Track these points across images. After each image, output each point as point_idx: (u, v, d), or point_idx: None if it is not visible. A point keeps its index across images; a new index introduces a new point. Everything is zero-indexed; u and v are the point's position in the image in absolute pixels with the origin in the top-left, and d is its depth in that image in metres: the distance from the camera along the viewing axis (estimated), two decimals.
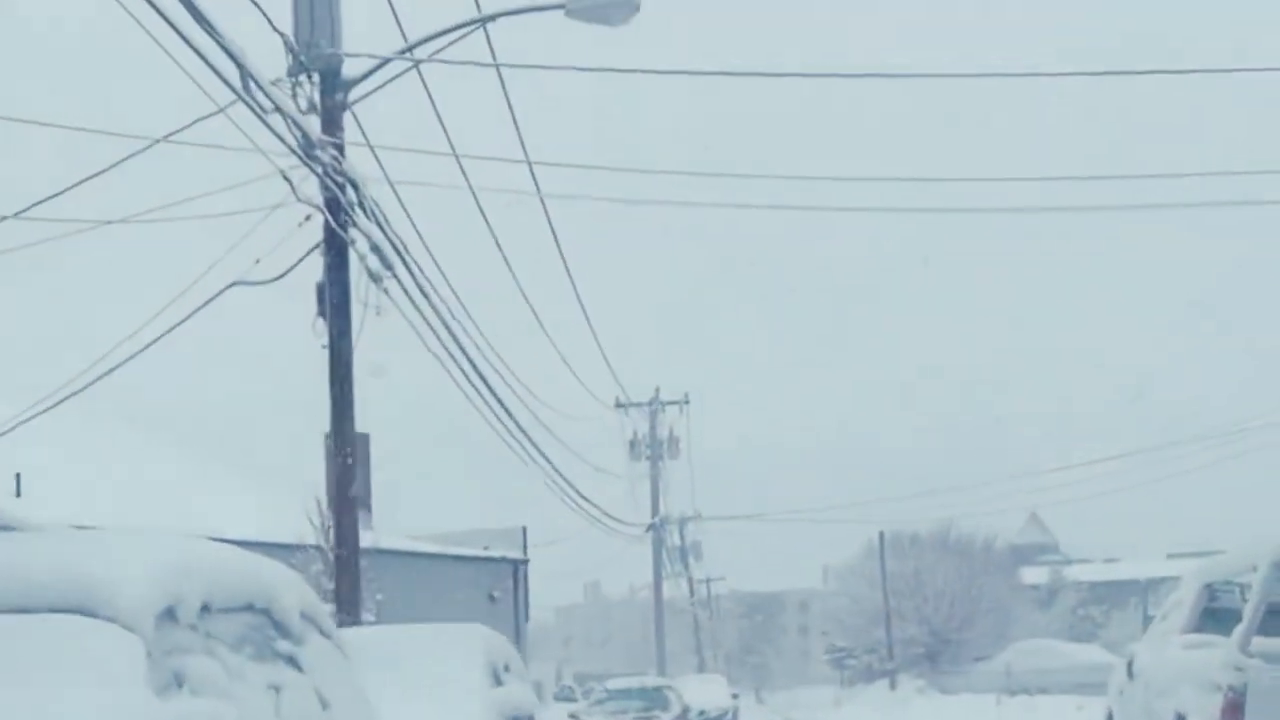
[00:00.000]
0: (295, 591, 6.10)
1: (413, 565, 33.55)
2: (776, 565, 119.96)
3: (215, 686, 5.00)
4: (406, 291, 16.52)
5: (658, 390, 45.12)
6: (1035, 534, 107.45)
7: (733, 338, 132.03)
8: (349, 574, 14.88)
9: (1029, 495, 79.52)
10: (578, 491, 30.73)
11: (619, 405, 43.89)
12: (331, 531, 18.42)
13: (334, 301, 15.06)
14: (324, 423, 17.02)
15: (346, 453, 14.96)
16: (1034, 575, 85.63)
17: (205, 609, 5.30)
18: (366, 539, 29.76)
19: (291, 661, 5.87)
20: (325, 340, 15.14)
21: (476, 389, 20.49)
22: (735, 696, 36.79)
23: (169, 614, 5.01)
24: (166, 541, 5.47)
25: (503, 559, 36.23)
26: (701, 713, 34.78)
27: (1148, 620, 34.87)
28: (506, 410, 23.27)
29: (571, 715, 24.60)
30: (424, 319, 17.11)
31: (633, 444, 44.83)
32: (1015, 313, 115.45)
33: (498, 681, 9.00)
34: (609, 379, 44.33)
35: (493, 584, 35.88)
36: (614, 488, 49.89)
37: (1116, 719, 15.02)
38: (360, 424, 35.09)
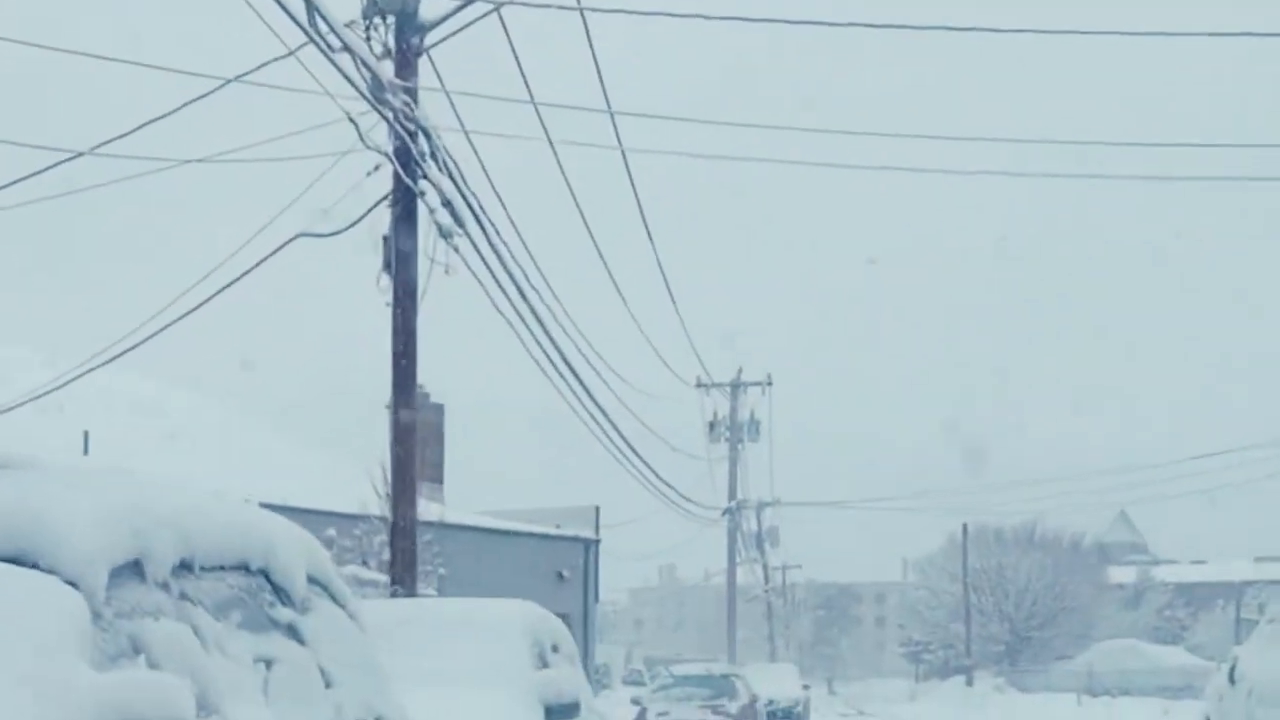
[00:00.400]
0: (302, 551, 5.26)
1: (482, 541, 32.92)
2: (854, 556, 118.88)
3: (182, 657, 4.15)
4: (478, 250, 15.73)
5: (740, 370, 44.24)
6: (1123, 533, 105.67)
7: (820, 319, 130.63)
8: (405, 544, 14.13)
9: (1117, 493, 77.74)
10: (653, 471, 29.90)
11: (699, 385, 43.00)
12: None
13: (400, 256, 14.28)
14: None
15: (407, 415, 14.18)
16: (1120, 575, 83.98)
17: (184, 566, 4.47)
18: (435, 512, 29.18)
19: (291, 631, 5.02)
20: (389, 297, 14.37)
21: (549, 357, 19.66)
22: (806, 688, 35.78)
23: (133, 569, 4.16)
24: (140, 483, 4.63)
25: (574, 538, 35.50)
26: (771, 703, 33.84)
27: (1241, 624, 33.58)
28: (581, 382, 22.41)
29: (635, 700, 23.76)
30: (495, 280, 16.32)
31: (712, 425, 43.89)
32: (1116, 300, 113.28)
33: (543, 663, 8.17)
34: (690, 356, 43.45)
35: (563, 563, 35.17)
36: (691, 469, 49.03)
37: None
38: (436, 395, 34.56)
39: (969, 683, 62.58)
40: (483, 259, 15.86)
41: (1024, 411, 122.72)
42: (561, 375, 21.22)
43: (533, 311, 17.83)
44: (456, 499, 34.89)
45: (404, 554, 13.95)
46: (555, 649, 8.74)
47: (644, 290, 28.78)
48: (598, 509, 36.58)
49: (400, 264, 14.20)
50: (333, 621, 5.47)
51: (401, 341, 14.16)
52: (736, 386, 44.11)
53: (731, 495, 44.35)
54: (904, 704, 57.42)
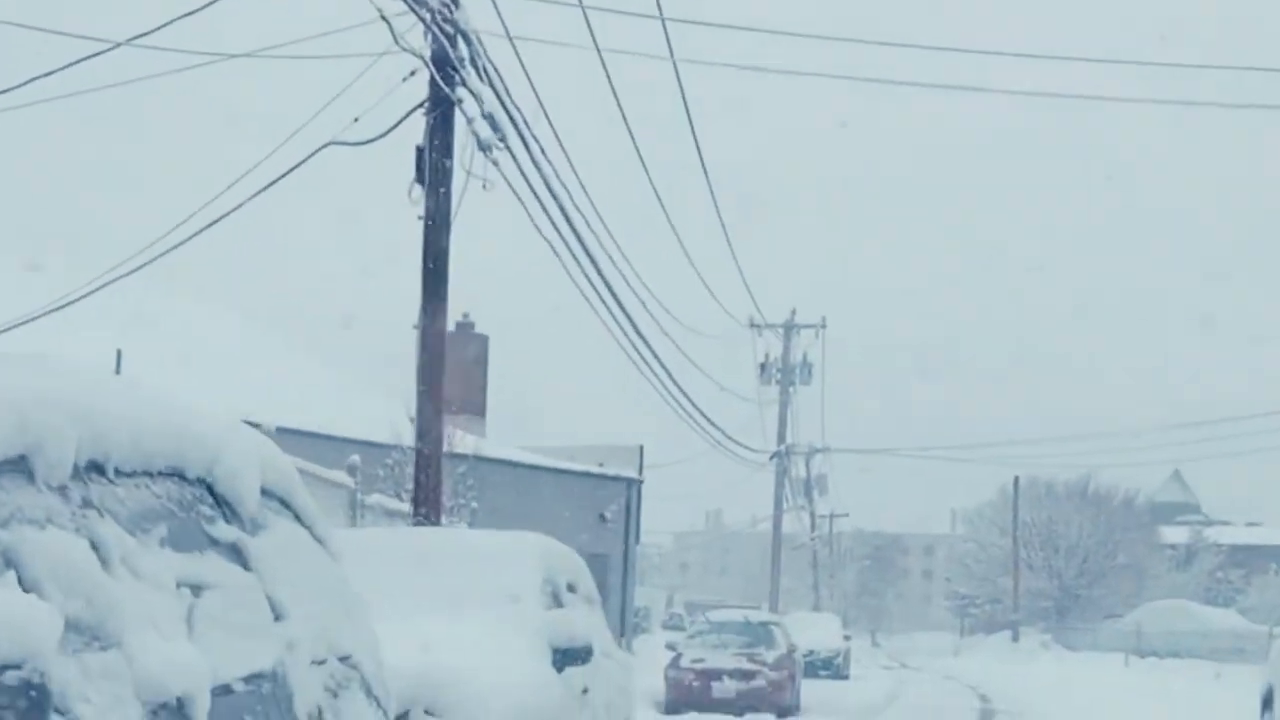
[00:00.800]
0: (256, 460, 4.44)
1: (521, 476, 32.23)
2: (904, 506, 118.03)
3: (71, 577, 3.33)
4: (519, 166, 14.88)
5: (794, 312, 43.26)
6: (1176, 492, 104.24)
7: (877, 263, 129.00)
8: (430, 473, 13.40)
9: (1171, 449, 76.39)
10: (699, 410, 29.08)
11: (752, 325, 42.13)
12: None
13: (434, 167, 13.46)
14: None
15: (436, 336, 13.39)
16: (1172, 535, 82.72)
17: (94, 468, 3.67)
18: (471, 445, 28.49)
19: (234, 553, 4.20)
20: (421, 210, 13.56)
21: (593, 285, 18.81)
22: (848, 638, 35.04)
23: (16, 467, 3.35)
24: (47, 369, 3.80)
25: (616, 477, 34.76)
26: (811, 653, 33.09)
27: None
28: (626, 314, 21.53)
29: (669, 646, 23.06)
30: (538, 200, 15.48)
31: (763, 367, 43.01)
32: (1180, 252, 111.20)
33: (556, 602, 7.39)
34: (742, 294, 42.52)
35: (604, 502, 34.47)
36: (740, 411, 48.21)
37: (1279, 692, 13.08)
38: (481, 325, 33.81)
39: (1015, 639, 61.81)
40: (524, 176, 15.02)
41: (1083, 363, 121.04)
42: (606, 306, 20.38)
43: (576, 235, 16.98)
44: (499, 433, 34.25)
45: (428, 483, 13.21)
46: (572, 588, 7.97)
47: (697, 224, 27.91)
48: (642, 448, 35.80)
49: (434, 176, 13.38)
50: (292, 544, 4.66)
51: (432, 257, 13.38)
52: (790, 328, 43.18)
53: (780, 439, 43.51)
54: (947, 658, 56.66)
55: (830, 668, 33.23)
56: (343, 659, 4.79)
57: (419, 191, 13.39)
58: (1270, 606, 73.49)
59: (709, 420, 29.62)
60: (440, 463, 13.61)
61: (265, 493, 4.57)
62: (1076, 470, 69.37)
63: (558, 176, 15.58)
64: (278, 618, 4.32)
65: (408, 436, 21.67)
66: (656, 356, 25.03)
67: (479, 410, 33.80)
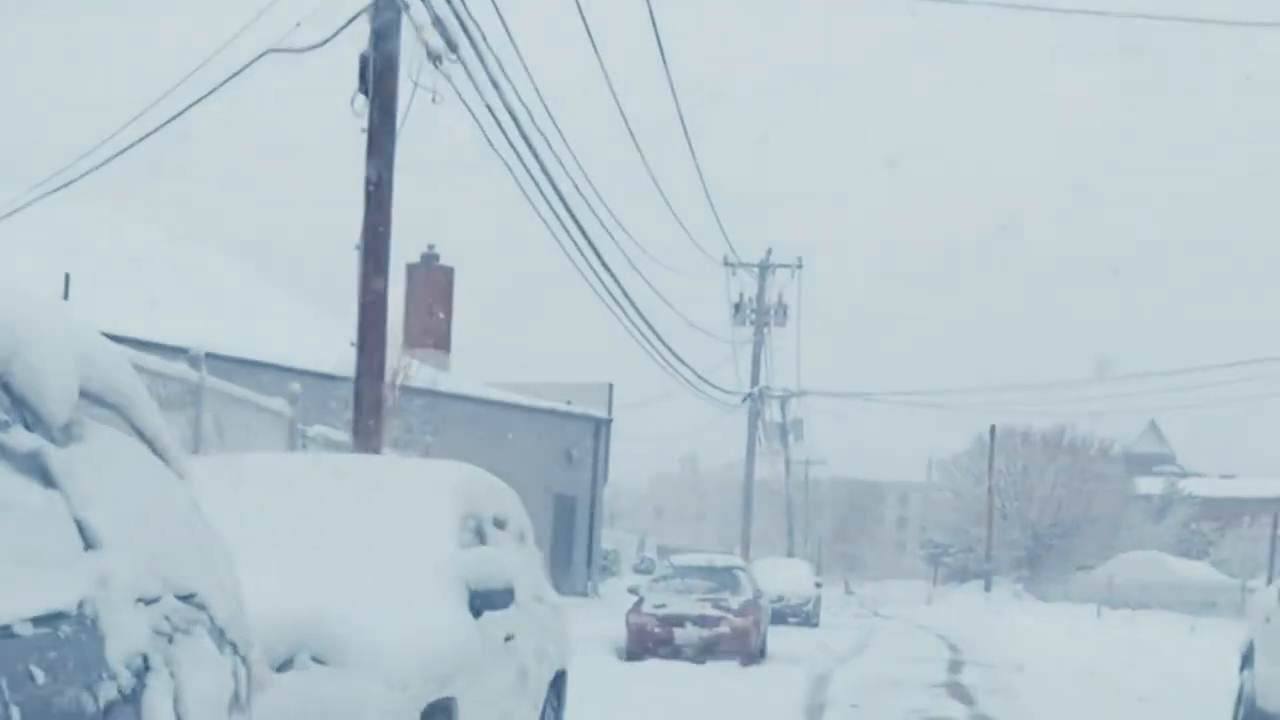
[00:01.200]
0: (68, 354, 3.63)
1: (483, 413, 31.47)
2: (880, 454, 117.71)
3: None
4: (473, 80, 14.01)
5: (769, 251, 42.44)
6: (1152, 443, 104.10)
7: (853, 202, 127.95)
8: (369, 403, 12.56)
9: (1146, 397, 75.75)
10: (668, 346, 28.32)
11: (726, 263, 41.33)
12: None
13: (379, 75, 12.58)
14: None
15: (378, 257, 12.55)
16: (1147, 486, 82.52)
17: None
18: (430, 378, 27.70)
19: (32, 466, 3.39)
20: (364, 123, 12.69)
21: (554, 211, 18.00)
22: (819, 585, 34.38)
23: None
24: None
25: (584, 415, 34.01)
26: (781, 599, 32.48)
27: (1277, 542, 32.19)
28: (590, 241, 20.72)
29: (631, 590, 22.31)
30: (493, 117, 14.62)
31: (738, 307, 42.24)
32: (1155, 201, 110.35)
33: (480, 539, 6.60)
34: (715, 234, 41.73)
35: (571, 442, 33.75)
36: (714, 353, 47.46)
37: (1261, 650, 12.39)
38: (445, 257, 32.92)
39: (987, 588, 61.49)
40: (479, 91, 14.16)
41: (1059, 311, 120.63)
42: (570, 235, 19.63)
43: (536, 158, 16.14)
44: (464, 369, 33.46)
45: (367, 413, 12.39)
46: (500, 524, 7.18)
47: (669, 159, 27.03)
48: (611, 386, 35.02)
49: (379, 83, 12.50)
50: (119, 460, 3.86)
51: (375, 169, 12.50)
52: (765, 267, 42.36)
53: (754, 381, 42.76)
54: (920, 607, 56.28)
55: (800, 615, 32.62)
56: (185, 598, 3.99)
57: (362, 102, 12.52)
58: (1243, 559, 73.35)
59: (677, 357, 28.88)
60: (381, 394, 12.78)
61: (86, 395, 3.75)
62: (1053, 419, 68.96)
63: (517, 94, 14.73)
64: (89, 546, 3.52)
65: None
66: (624, 290, 24.27)
67: (443, 345, 32.98)
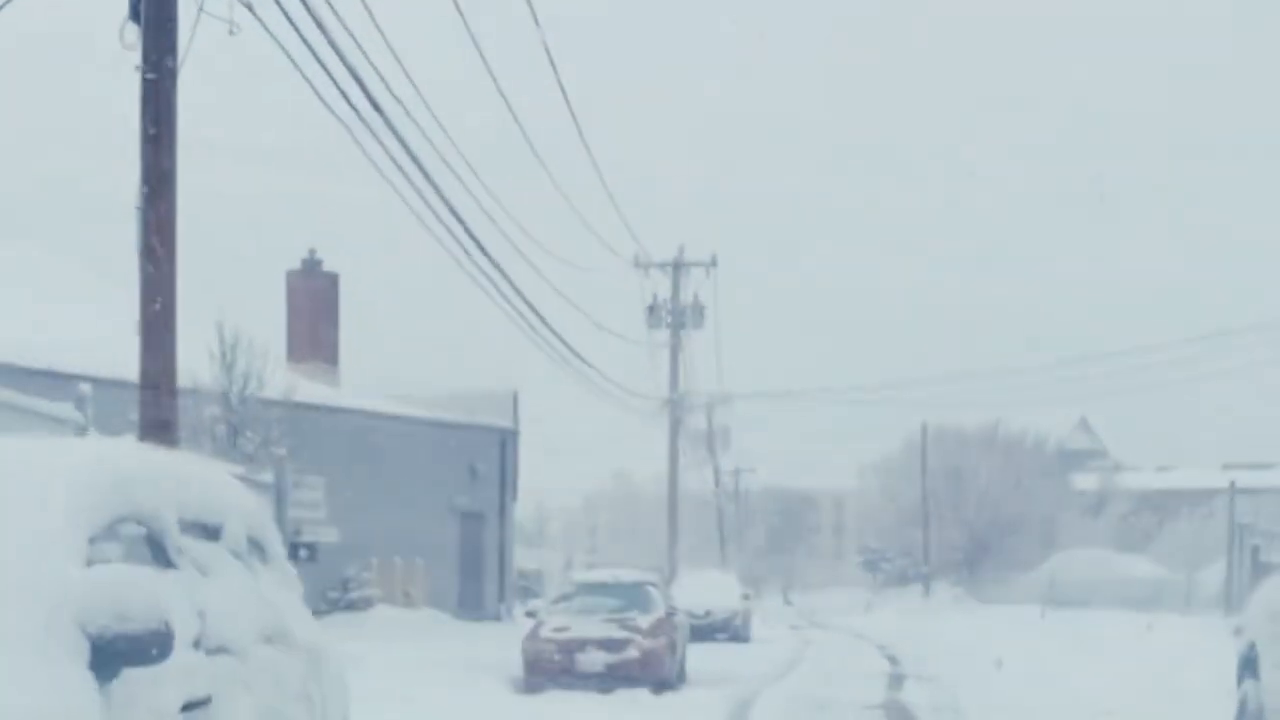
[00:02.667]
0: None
1: (378, 428, 28.98)
2: (812, 462, 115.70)
3: None
4: (288, 16, 11.66)
5: (681, 249, 40.20)
6: (1083, 440, 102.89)
7: (770, 200, 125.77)
8: (153, 399, 10.14)
9: (1075, 384, 74.00)
10: (571, 349, 26.01)
11: (637, 264, 39.07)
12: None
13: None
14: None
15: (161, 216, 10.15)
16: (1081, 482, 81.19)
17: None
18: (284, 389, 25.16)
19: None
20: (139, 58, 10.31)
21: (415, 187, 15.68)
22: (747, 597, 32.08)
23: None
24: None
25: (488, 427, 31.57)
26: (706, 614, 30.21)
27: (1236, 530, 30.36)
28: (468, 230, 18.47)
29: (529, 613, 19.96)
30: (318, 62, 12.27)
31: (651, 309, 39.97)
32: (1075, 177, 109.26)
33: (150, 555, 4.26)
34: (624, 234, 39.53)
35: (476, 455, 31.32)
36: (633, 362, 45.20)
37: (1269, 656, 10.20)
38: (330, 262, 30.41)
39: (926, 593, 59.64)
40: (295, 28, 11.80)
41: (987, 301, 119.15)
42: (440, 220, 17.37)
43: (382, 116, 13.83)
44: (357, 383, 30.93)
45: (153, 415, 9.98)
46: (208, 531, 4.86)
47: (569, 155, 24.93)
48: (516, 394, 32.61)
49: (152, 10, 10.13)
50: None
51: (153, 114, 10.12)
52: (678, 266, 40.11)
53: (673, 385, 40.48)
54: (858, 615, 54.28)
55: (728, 630, 30.31)
56: None
57: (135, 33, 10.14)
58: (1184, 551, 71.83)
59: (579, 357, 26.58)
60: (173, 402, 10.34)
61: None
62: (984, 412, 67.24)
63: (346, 28, 12.38)
64: None
65: (208, 375, 18.42)
66: (515, 287, 21.98)
67: (331, 358, 30.47)
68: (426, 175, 15.80)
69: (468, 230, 18.51)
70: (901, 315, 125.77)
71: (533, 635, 17.96)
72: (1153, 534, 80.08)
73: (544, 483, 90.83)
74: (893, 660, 24.92)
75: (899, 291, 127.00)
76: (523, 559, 47.03)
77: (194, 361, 18.24)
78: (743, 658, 24.22)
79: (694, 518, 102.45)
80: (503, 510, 32.33)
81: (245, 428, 17.81)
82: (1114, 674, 18.12)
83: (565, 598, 18.97)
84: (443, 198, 16.84)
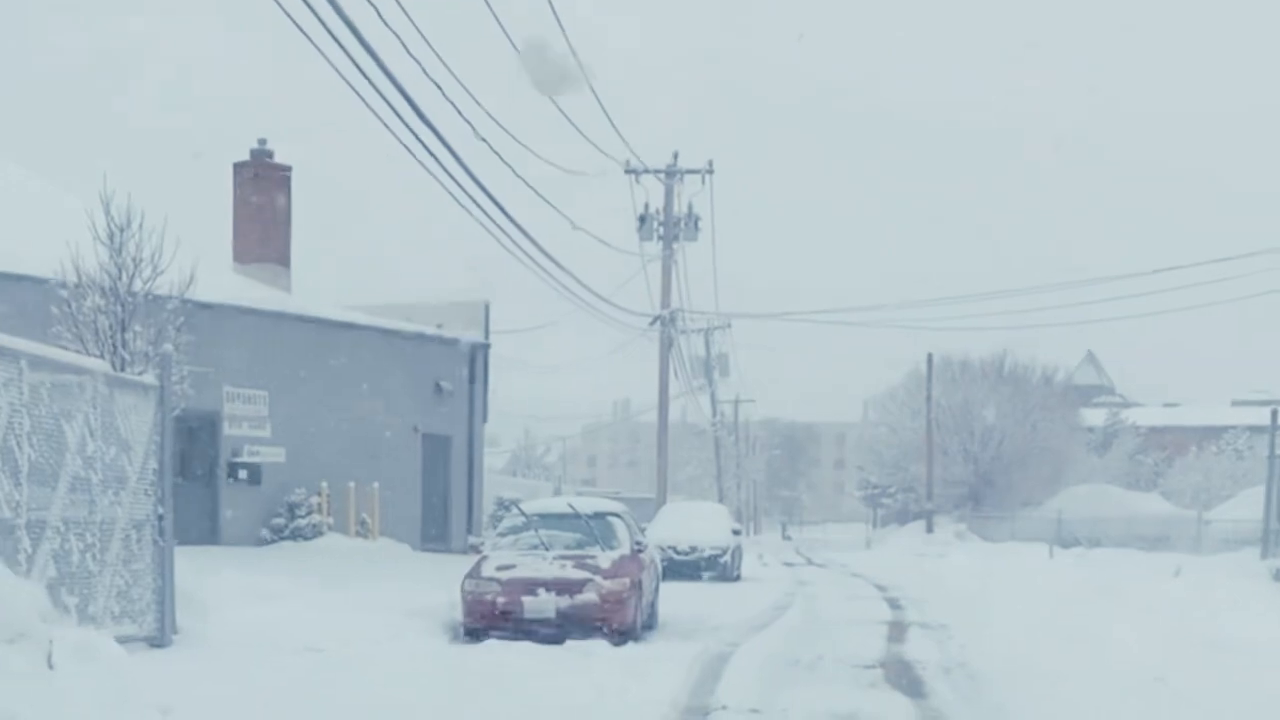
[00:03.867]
0: None
1: (332, 338, 26.33)
2: (814, 395, 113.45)
3: None
4: None
5: (676, 155, 37.27)
6: (1091, 375, 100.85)
7: (770, 110, 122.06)
8: None
9: (1079, 309, 71.29)
10: (546, 253, 23.28)
11: (628, 170, 36.19)
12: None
13: None
14: None
15: None
16: (1089, 417, 78.94)
17: None
18: (279, 301, 22.66)
19: None
20: None
21: (370, 81, 13.44)
22: (738, 532, 29.37)
23: None
24: None
25: (455, 340, 28.84)
26: (692, 549, 27.65)
27: (1273, 464, 27.82)
28: (424, 119, 16.24)
29: (473, 547, 17.33)
30: None
31: (643, 219, 37.12)
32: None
33: None
34: (609, 132, 36.74)
35: (442, 372, 28.65)
36: (624, 279, 42.46)
37: None
38: (280, 152, 27.62)
39: (929, 529, 57.26)
40: None
41: (994, 228, 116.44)
42: (393, 108, 15.19)
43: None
44: (311, 289, 28.28)
45: None
46: None
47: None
48: (487, 305, 29.87)
49: None
50: None
51: None
52: (672, 173, 37.22)
53: (664, 300, 37.70)
54: (858, 552, 51.85)
55: (715, 568, 27.70)
56: None
57: None
58: (1194, 489, 69.83)
59: (555, 262, 23.85)
60: None
61: None
62: (986, 336, 64.57)
63: None
64: None
65: (89, 258, 15.73)
66: (486, 190, 19.44)
67: (282, 259, 27.72)
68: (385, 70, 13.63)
69: (411, 102, 16.08)
70: (906, 236, 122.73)
71: (474, 574, 15.30)
72: (1161, 471, 77.92)
73: (541, 410, 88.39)
74: (893, 604, 22.37)
75: (904, 212, 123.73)
76: (505, 487, 44.52)
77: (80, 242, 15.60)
78: (727, 600, 21.65)
79: (694, 449, 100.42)
80: (471, 432, 29.69)
81: (134, 322, 15.13)
82: (1151, 627, 15.52)
83: (514, 530, 16.21)
84: (397, 85, 14.57)
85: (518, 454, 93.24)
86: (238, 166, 27.35)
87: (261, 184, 26.82)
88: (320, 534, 25.28)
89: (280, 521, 25.36)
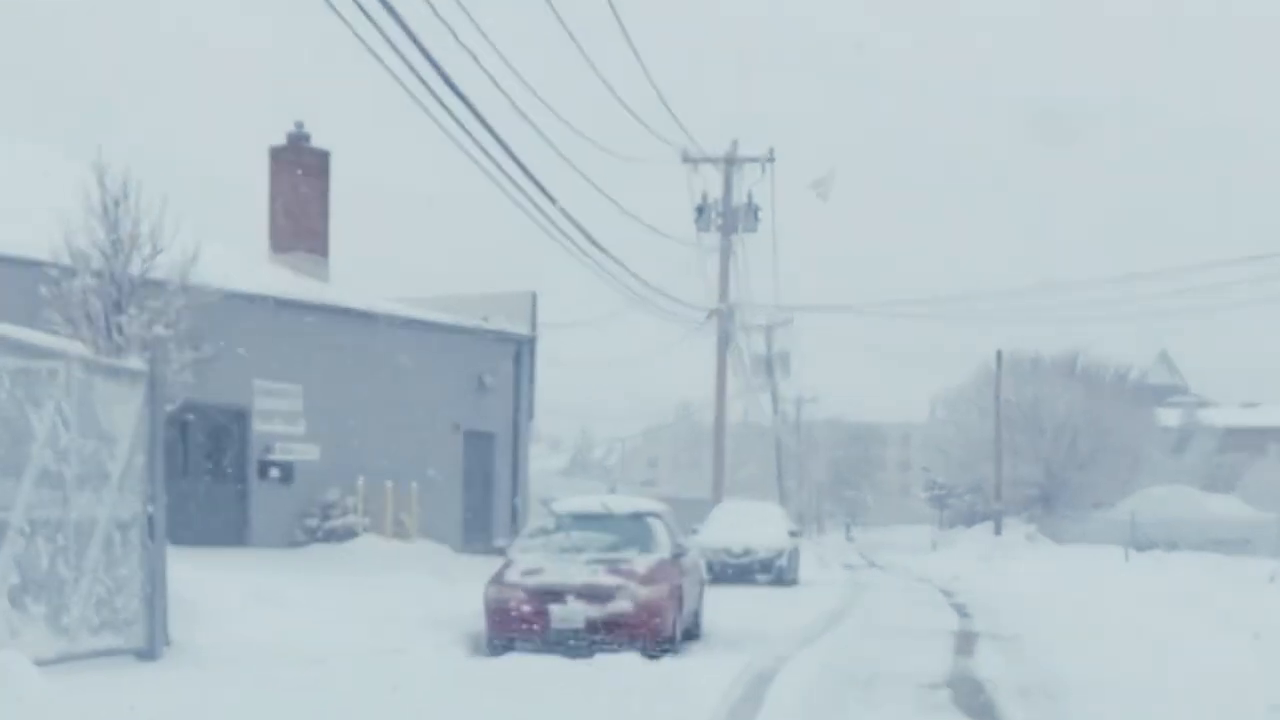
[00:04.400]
0: None
1: (372, 330, 25.08)
2: (878, 393, 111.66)
3: None
4: None
5: (735, 143, 35.76)
6: (1164, 374, 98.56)
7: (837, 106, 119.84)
8: None
9: (1147, 302, 69.01)
10: (599, 246, 21.94)
11: (686, 159, 34.76)
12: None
13: None
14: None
15: None
16: (1164, 417, 76.82)
17: None
18: (315, 292, 21.46)
19: None
20: None
21: (419, 75, 12.59)
22: (795, 534, 27.82)
23: None
24: None
25: (500, 334, 27.50)
26: (746, 552, 26.22)
27: None
28: (469, 106, 15.33)
29: (499, 549, 15.97)
30: None
31: (701, 210, 35.69)
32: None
33: None
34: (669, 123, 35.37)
35: (486, 366, 27.33)
36: (681, 274, 41.12)
37: None
38: (321, 139, 26.45)
39: (997, 531, 55.42)
40: None
41: (1065, 227, 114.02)
42: (440, 102, 14.44)
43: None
44: (350, 280, 27.02)
45: None
46: None
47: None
48: (534, 296, 28.51)
49: None
50: None
51: None
52: (731, 161, 35.74)
53: (722, 293, 36.23)
54: (924, 554, 50.17)
55: (771, 571, 26.23)
56: None
57: None
58: (1274, 491, 67.62)
59: (603, 250, 22.49)
60: None
61: None
62: (1054, 329, 62.62)
63: None
64: None
65: (82, 239, 14.47)
66: (531, 176, 18.27)
67: (320, 248, 26.50)
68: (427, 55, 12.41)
69: (467, 103, 15.09)
70: (972, 229, 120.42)
71: (497, 579, 13.93)
72: (1240, 472, 75.67)
73: (597, 410, 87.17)
74: (961, 612, 20.84)
75: (969, 205, 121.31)
76: (561, 489, 43.22)
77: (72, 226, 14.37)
78: (781, 606, 20.20)
79: (755, 450, 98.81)
80: (516, 429, 28.35)
81: (130, 304, 13.90)
82: (1252, 644, 13.93)
83: (544, 531, 14.82)
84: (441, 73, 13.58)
85: (577, 456, 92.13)
86: (274, 151, 26.14)
87: (297, 172, 25.61)
88: (355, 535, 24.03)
89: (313, 522, 24.14)
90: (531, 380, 28.51)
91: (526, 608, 13.58)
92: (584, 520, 14.80)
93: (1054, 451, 61.38)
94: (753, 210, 36.11)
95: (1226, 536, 49.70)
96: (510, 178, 18.03)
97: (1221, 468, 75.96)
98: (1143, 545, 44.43)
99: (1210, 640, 14.16)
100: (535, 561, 14.08)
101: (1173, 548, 43.34)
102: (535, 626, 13.54)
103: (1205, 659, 12.77)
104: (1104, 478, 61.99)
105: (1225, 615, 17.02)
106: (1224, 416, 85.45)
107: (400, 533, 25.22)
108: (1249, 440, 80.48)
